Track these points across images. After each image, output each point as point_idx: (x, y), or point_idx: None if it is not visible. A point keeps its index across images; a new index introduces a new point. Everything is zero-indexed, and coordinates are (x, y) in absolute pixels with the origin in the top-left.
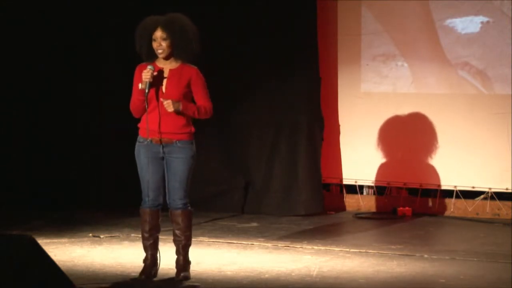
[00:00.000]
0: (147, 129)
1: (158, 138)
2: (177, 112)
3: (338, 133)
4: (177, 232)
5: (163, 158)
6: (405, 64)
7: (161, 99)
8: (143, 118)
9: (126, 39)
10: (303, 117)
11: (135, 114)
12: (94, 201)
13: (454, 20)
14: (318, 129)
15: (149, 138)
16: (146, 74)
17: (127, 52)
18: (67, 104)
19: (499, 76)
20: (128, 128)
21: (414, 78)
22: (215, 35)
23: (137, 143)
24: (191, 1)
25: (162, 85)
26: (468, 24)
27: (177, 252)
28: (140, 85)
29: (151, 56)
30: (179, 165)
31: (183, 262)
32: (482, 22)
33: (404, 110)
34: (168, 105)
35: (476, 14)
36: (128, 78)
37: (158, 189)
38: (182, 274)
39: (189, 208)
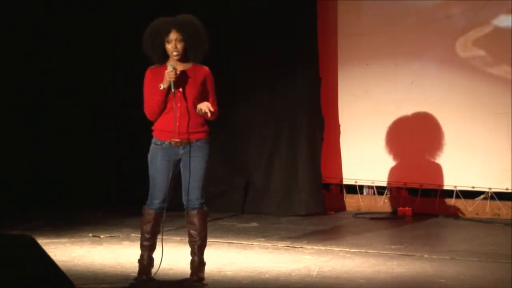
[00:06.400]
0: (174, 131)
1: (178, 140)
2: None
3: (338, 133)
4: (193, 232)
5: (179, 160)
6: (405, 64)
7: (199, 106)
8: (160, 120)
9: (124, 41)
10: (303, 117)
11: (152, 117)
12: (94, 201)
13: (454, 19)
14: (318, 129)
15: (168, 140)
16: (171, 73)
17: (127, 54)
18: (66, 104)
19: (500, 76)
20: (128, 128)
21: (414, 78)
22: (214, 35)
23: (153, 146)
24: (193, 0)
25: (187, 84)
26: (469, 24)
27: (192, 253)
28: (161, 86)
29: (164, 59)
30: (198, 163)
31: (197, 264)
32: (482, 22)
33: (404, 110)
34: (208, 107)
35: (476, 14)
36: (128, 79)
37: (168, 192)
38: (195, 276)
39: (205, 208)
